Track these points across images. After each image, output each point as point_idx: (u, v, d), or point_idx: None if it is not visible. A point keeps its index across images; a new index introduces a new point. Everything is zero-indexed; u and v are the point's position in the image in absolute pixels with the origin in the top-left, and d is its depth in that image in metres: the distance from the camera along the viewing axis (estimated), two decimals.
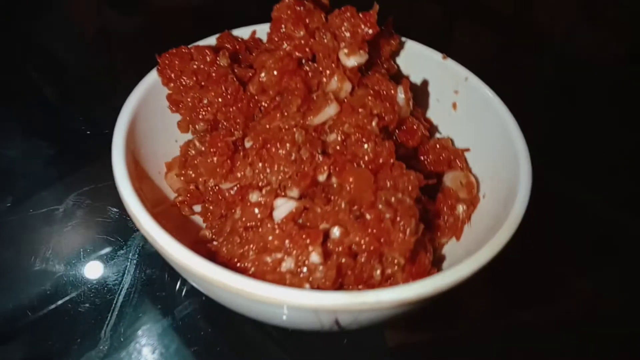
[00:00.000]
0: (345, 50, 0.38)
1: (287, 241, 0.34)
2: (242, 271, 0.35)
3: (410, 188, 0.37)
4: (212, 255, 0.38)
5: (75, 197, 0.51)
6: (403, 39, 0.47)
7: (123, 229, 0.49)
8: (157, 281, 0.46)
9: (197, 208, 0.44)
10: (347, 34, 0.38)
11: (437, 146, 0.46)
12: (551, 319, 0.46)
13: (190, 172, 0.40)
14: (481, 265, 0.32)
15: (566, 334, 0.45)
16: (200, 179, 0.40)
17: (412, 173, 0.37)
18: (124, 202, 0.35)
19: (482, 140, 0.45)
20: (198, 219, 0.44)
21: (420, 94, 0.49)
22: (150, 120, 0.42)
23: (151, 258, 0.47)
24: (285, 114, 0.38)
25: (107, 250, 0.48)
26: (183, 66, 0.41)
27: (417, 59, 0.49)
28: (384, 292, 0.30)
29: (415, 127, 0.43)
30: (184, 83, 0.41)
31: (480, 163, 0.45)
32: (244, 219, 0.37)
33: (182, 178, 0.41)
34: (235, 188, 0.40)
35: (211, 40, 0.46)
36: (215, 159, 0.38)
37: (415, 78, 0.49)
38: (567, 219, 0.52)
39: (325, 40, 0.38)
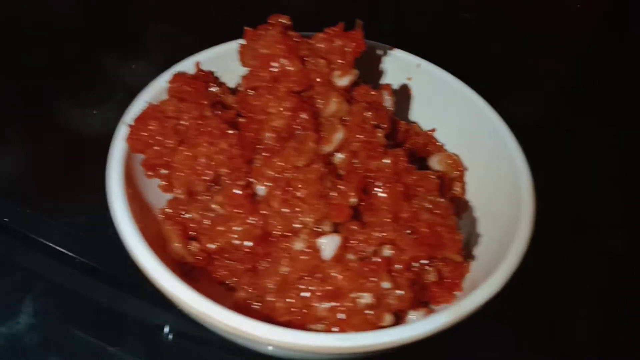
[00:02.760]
0: (338, 72, 0.38)
1: (360, 279, 0.34)
2: (316, 323, 0.34)
3: (434, 188, 0.39)
4: (265, 317, 0.36)
5: None
6: None
7: None
8: None
9: None
10: (338, 57, 0.37)
11: (412, 134, 0.48)
12: None
13: (218, 242, 0.36)
14: (528, 238, 0.36)
15: None
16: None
17: (430, 172, 0.39)
18: (161, 286, 0.32)
19: (447, 119, 0.48)
20: None
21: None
22: (135, 194, 0.37)
23: None
24: (299, 149, 0.36)
25: None
26: (161, 127, 0.36)
27: (365, 54, 0.49)
28: (477, 295, 0.32)
29: (399, 124, 0.44)
30: (167, 145, 0.36)
31: (452, 141, 0.48)
32: (297, 270, 0.35)
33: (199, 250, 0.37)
34: None
35: (161, 83, 0.41)
36: (247, 221, 0.35)
37: (367, 72, 0.50)
38: None
39: (320, 67, 0.36)
